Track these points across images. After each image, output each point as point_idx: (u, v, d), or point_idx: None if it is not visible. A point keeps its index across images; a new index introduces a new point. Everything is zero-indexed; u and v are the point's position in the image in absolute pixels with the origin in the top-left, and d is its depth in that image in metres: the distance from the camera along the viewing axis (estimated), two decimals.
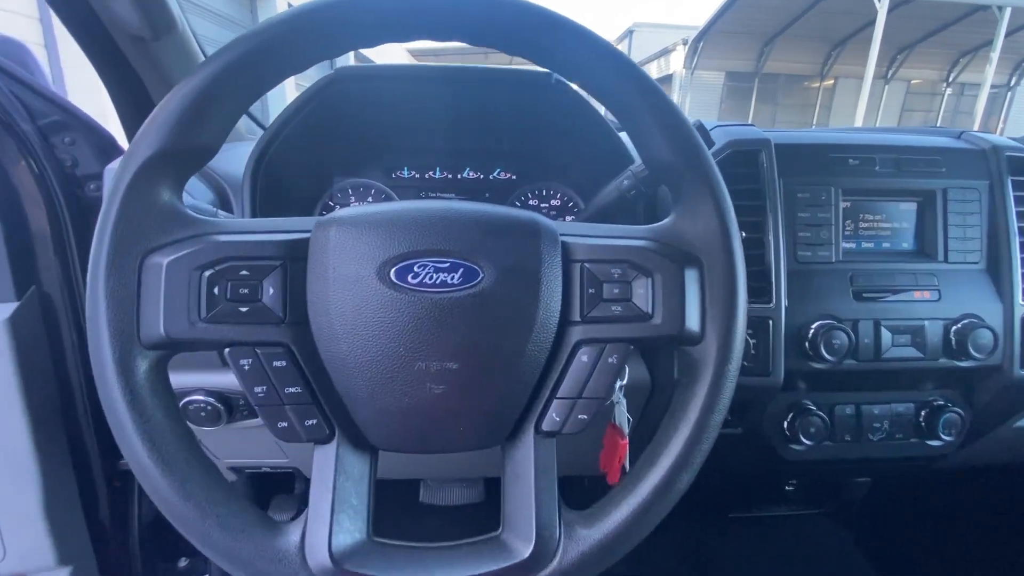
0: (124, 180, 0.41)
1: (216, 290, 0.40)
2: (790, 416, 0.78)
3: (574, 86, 0.73)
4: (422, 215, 0.43)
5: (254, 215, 0.71)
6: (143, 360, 0.40)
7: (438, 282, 0.42)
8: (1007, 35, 10.18)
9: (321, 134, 0.80)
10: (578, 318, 0.45)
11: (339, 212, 0.44)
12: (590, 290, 0.45)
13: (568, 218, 0.95)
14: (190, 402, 0.73)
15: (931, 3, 10.60)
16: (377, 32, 0.44)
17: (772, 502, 1.21)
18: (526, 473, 0.45)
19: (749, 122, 0.81)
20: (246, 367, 0.42)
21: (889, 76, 15.63)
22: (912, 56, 15.00)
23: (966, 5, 10.62)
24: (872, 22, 10.21)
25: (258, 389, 0.42)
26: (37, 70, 0.98)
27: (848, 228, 0.78)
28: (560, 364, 0.45)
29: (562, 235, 0.46)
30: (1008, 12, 9.96)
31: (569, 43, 0.44)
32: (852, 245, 0.79)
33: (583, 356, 0.44)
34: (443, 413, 0.43)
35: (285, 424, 0.43)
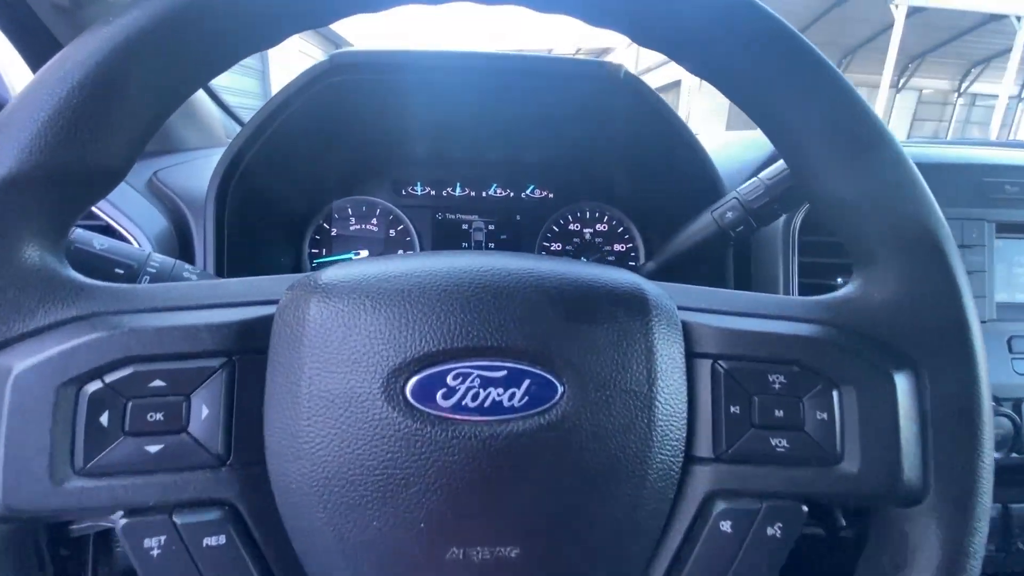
0: None
1: (106, 418, 0.24)
2: None
3: (648, 81, 0.55)
4: (459, 282, 0.26)
5: (219, 248, 0.54)
6: None
7: (488, 404, 0.25)
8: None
9: (313, 139, 0.62)
10: (709, 454, 0.27)
11: (326, 273, 0.27)
12: (732, 408, 0.27)
13: (616, 247, 0.77)
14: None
15: (946, 12, 10.44)
16: None
17: None
18: None
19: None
20: (154, 552, 0.24)
21: (900, 85, 15.43)
22: (923, 65, 14.83)
23: (981, 14, 10.45)
24: (885, 30, 10.04)
25: None
26: None
27: (1000, 275, 0.60)
28: (680, 532, 0.27)
29: (680, 309, 0.28)
30: None
31: None
32: (1006, 297, 0.60)
33: (723, 523, 0.27)
34: None
35: None
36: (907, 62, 14.86)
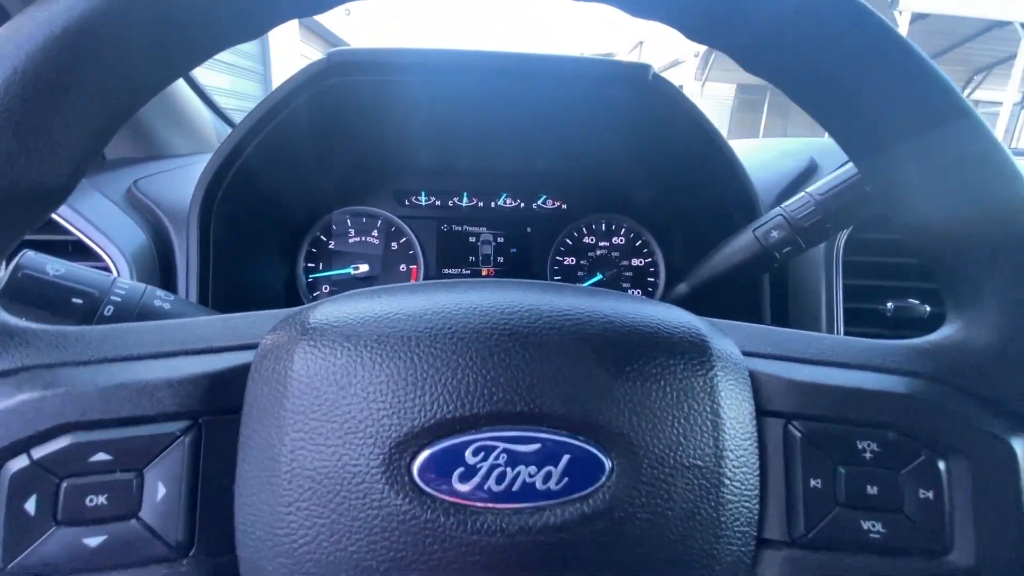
0: None
1: (33, 503, 0.19)
2: None
3: (675, 83, 0.50)
4: (480, 327, 0.21)
5: (203, 265, 0.49)
6: None
7: (517, 488, 0.20)
8: None
9: (310, 144, 0.58)
10: (783, 537, 0.22)
11: (315, 312, 0.22)
12: (812, 482, 0.22)
13: (634, 261, 0.72)
14: None
15: (949, 18, 10.43)
16: None
17: None
18: None
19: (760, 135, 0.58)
20: None
21: None
22: None
23: (985, 21, 10.44)
24: None
25: None
26: None
27: None
28: None
29: (745, 355, 0.24)
30: None
31: None
32: None
33: None
34: None
35: None
36: None
